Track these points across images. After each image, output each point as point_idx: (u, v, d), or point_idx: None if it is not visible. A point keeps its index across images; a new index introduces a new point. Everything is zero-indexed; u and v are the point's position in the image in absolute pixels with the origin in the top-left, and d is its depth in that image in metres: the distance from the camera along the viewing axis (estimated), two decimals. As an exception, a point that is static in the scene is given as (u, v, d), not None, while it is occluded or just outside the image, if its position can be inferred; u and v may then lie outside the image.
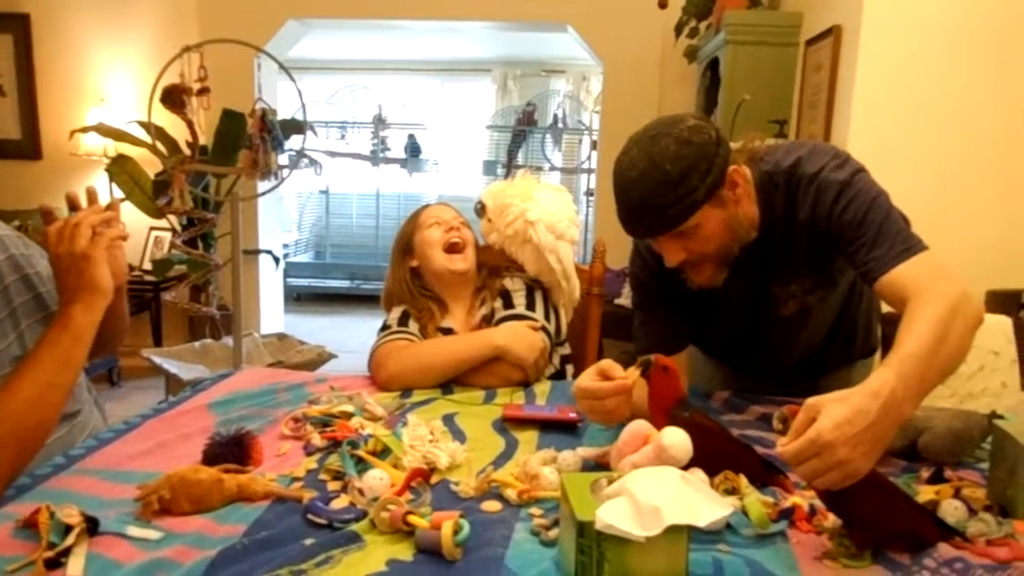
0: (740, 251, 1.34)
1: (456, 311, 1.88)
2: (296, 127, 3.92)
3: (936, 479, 1.23)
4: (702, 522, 0.78)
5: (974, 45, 2.57)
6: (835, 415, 0.92)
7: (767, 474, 1.19)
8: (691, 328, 1.53)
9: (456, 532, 0.95)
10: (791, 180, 1.34)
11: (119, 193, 3.86)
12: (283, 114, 4.10)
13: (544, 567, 0.93)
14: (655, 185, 1.23)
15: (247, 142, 3.11)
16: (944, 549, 1.02)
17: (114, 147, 4.41)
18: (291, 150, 3.90)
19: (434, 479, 1.19)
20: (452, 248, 1.85)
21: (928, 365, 1.03)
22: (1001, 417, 1.28)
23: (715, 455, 1.17)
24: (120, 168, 3.89)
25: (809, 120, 3.02)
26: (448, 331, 1.83)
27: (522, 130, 7.60)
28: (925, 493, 1.16)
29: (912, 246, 1.25)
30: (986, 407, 1.36)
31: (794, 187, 1.34)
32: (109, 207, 1.28)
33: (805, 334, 1.54)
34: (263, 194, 3.48)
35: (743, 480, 1.14)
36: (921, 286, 1.16)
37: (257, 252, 4.70)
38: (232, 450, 1.22)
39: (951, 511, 1.10)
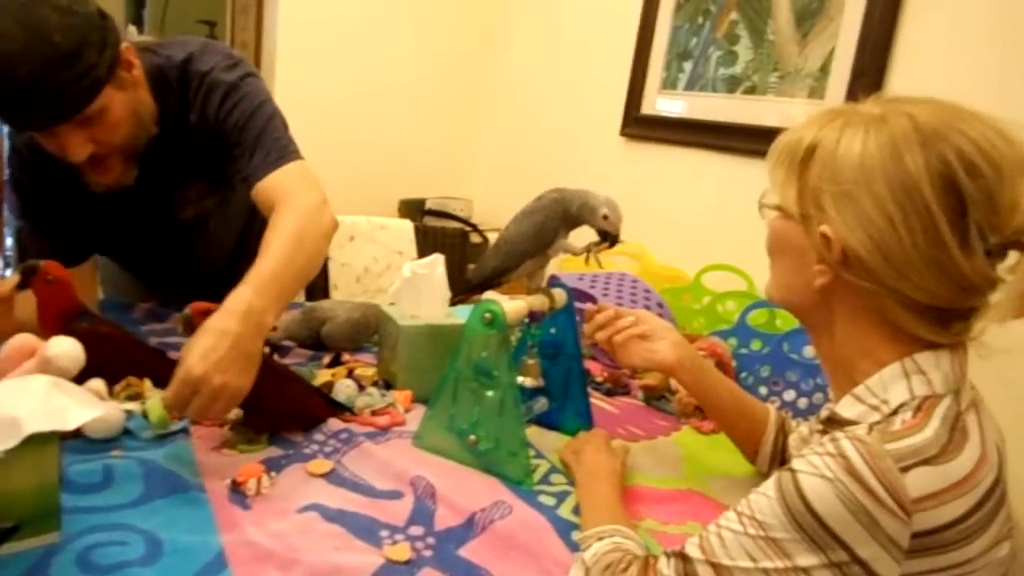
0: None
1: None
2: None
3: (334, 363, 1.38)
4: (70, 425, 0.75)
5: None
6: (198, 348, 0.95)
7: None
8: (90, 236, 1.41)
9: None
10: (184, 76, 1.30)
11: None
12: None
13: None
14: (46, 61, 1.06)
15: None
16: (333, 423, 1.16)
17: None
18: None
19: None
20: None
21: (285, 274, 1.10)
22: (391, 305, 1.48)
23: (120, 363, 1.14)
24: None
25: (241, 26, 3.00)
26: None
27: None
28: (323, 376, 1.30)
29: (286, 155, 1.29)
30: (393, 300, 1.55)
31: (186, 84, 1.30)
32: None
33: (208, 241, 1.54)
34: None
35: (147, 384, 1.13)
36: (285, 195, 1.23)
37: None
38: None
39: (343, 389, 1.25)
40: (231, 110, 1.29)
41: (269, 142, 1.28)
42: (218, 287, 1.04)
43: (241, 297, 1.01)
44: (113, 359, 1.12)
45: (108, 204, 1.32)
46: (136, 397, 1.11)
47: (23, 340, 1.02)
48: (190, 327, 1.07)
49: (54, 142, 1.16)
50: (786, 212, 0.80)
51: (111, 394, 1.10)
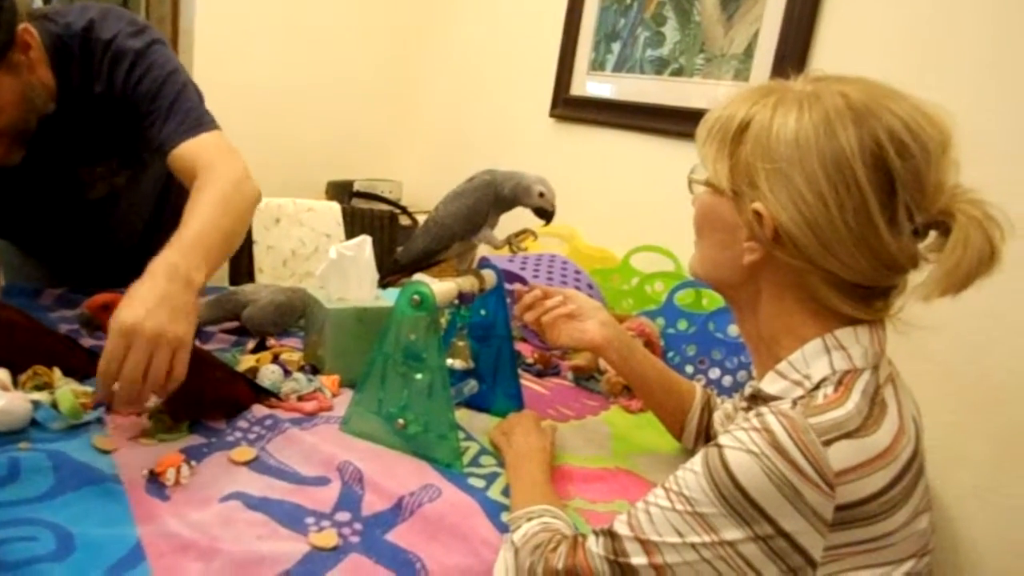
0: (39, 126, 1.19)
1: None
2: None
3: (259, 348, 1.34)
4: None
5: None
6: (124, 305, 0.91)
7: (91, 364, 1.14)
8: None
9: None
10: (86, 45, 1.23)
11: None
12: None
13: None
14: None
15: None
16: (258, 409, 1.12)
17: None
18: None
19: None
20: None
21: (211, 236, 1.06)
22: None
23: (25, 351, 1.08)
24: None
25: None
26: None
27: None
28: (247, 362, 1.26)
29: (203, 123, 1.25)
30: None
31: (89, 54, 1.23)
32: None
33: (120, 219, 1.47)
34: None
35: (57, 373, 1.08)
36: (208, 163, 1.18)
37: None
38: None
39: (268, 375, 1.22)
40: (141, 78, 1.22)
41: (184, 110, 1.23)
42: (131, 267, 0.98)
43: (163, 259, 0.97)
44: (17, 347, 1.07)
45: (8, 184, 1.25)
46: (44, 387, 1.05)
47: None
48: (91, 325, 1.03)
49: None
50: (716, 188, 0.80)
51: (16, 384, 1.04)
